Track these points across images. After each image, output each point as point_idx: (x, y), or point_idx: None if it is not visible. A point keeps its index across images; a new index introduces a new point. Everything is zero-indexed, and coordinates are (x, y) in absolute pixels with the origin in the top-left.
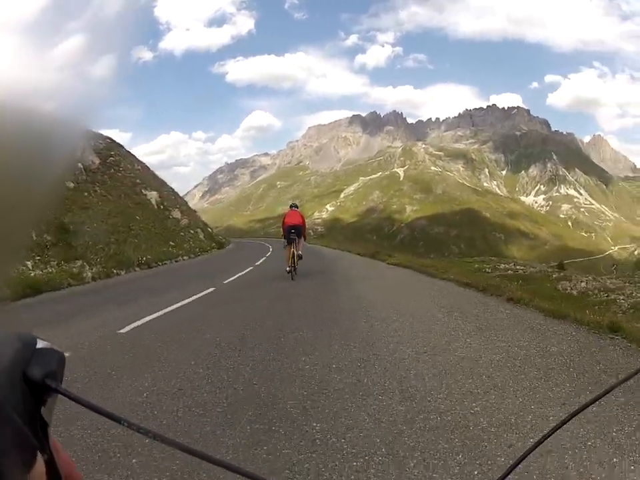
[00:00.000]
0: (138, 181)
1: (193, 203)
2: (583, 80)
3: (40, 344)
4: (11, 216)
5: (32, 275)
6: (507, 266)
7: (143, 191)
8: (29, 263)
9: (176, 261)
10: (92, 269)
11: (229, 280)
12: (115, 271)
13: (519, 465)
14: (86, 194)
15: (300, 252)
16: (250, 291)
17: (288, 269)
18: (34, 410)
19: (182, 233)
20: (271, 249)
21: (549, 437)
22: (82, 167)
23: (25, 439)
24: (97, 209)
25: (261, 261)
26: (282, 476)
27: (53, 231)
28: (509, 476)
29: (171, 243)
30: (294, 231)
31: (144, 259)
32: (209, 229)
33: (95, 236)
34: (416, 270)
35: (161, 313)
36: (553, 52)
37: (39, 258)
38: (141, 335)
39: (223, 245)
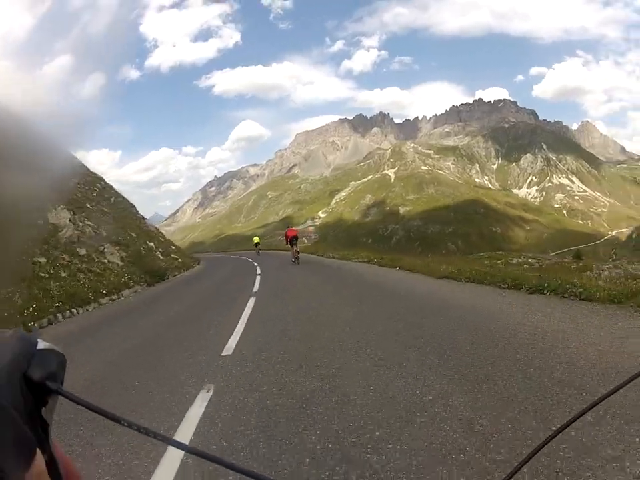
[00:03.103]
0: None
1: (185, 219)
2: (568, 69)
3: (41, 345)
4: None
5: None
6: (519, 260)
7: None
8: None
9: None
10: None
11: None
12: None
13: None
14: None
15: (298, 249)
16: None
17: (293, 259)
18: (35, 410)
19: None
20: (258, 274)
21: (553, 438)
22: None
23: (26, 439)
24: None
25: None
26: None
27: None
28: (515, 476)
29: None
30: (294, 239)
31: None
32: (176, 257)
33: None
34: (441, 276)
35: None
36: (537, 44)
37: None
38: None
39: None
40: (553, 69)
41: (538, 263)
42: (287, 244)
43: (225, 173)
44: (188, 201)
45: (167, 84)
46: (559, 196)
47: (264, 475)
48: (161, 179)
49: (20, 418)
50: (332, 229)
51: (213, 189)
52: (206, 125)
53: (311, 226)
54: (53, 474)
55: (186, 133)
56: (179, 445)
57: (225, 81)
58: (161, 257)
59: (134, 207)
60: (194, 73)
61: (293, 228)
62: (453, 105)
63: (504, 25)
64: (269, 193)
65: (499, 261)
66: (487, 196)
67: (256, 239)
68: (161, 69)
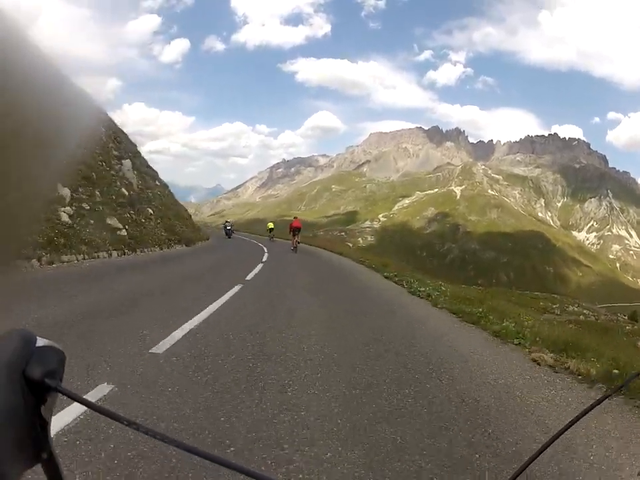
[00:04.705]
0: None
1: (245, 196)
2: None
3: (40, 342)
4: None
5: None
6: (574, 308)
7: None
8: None
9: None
10: None
11: None
12: None
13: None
14: None
15: (299, 240)
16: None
17: (292, 247)
18: (34, 408)
19: None
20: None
21: (556, 439)
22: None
23: (24, 437)
24: None
25: None
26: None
27: None
28: (519, 477)
29: None
30: (297, 230)
31: None
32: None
33: None
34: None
35: None
36: (617, 89)
37: None
38: None
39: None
40: (629, 117)
41: (593, 316)
42: (289, 232)
43: (293, 158)
44: (252, 178)
45: (250, 61)
46: (616, 247)
47: (264, 475)
48: (229, 152)
49: (19, 417)
50: (389, 233)
51: (280, 170)
52: (283, 108)
53: (368, 227)
54: (53, 472)
55: (262, 112)
56: (180, 445)
57: (308, 69)
58: (186, 229)
59: (167, 186)
60: (279, 56)
61: (298, 219)
62: (528, 135)
63: (587, 64)
64: (333, 186)
65: (554, 305)
66: (548, 232)
67: (270, 225)
68: (247, 45)
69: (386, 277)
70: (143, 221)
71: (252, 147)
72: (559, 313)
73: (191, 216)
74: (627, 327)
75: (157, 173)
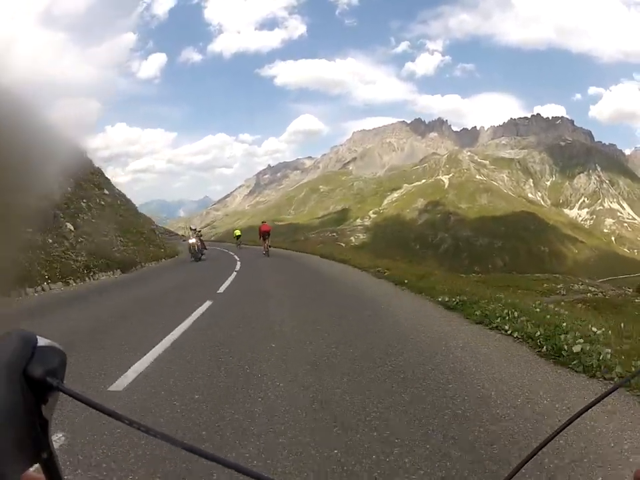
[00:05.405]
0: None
1: (234, 205)
2: (624, 92)
3: (41, 342)
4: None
5: None
6: (579, 287)
7: None
8: None
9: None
10: None
11: None
12: None
13: (522, 467)
14: None
15: (269, 244)
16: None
17: (264, 252)
18: (34, 408)
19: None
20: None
21: (554, 437)
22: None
23: (24, 437)
24: None
25: None
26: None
27: None
28: (516, 476)
29: None
30: (267, 234)
31: None
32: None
33: None
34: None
35: None
36: (596, 63)
37: None
38: None
39: None
40: (610, 90)
41: (601, 292)
42: (259, 238)
43: (278, 163)
44: (240, 187)
45: (228, 70)
46: (609, 221)
47: (264, 475)
48: (214, 163)
49: (19, 417)
50: (382, 229)
51: (266, 176)
52: (264, 115)
53: (359, 225)
54: (52, 472)
55: (244, 121)
56: (180, 444)
57: (287, 72)
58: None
59: (124, 195)
60: (256, 61)
61: (267, 223)
62: (511, 118)
63: (565, 41)
64: (320, 186)
65: (558, 286)
66: (540, 212)
67: (237, 232)
68: (224, 54)
69: (449, 308)
70: (50, 241)
71: (237, 156)
72: (564, 292)
73: (154, 230)
74: (637, 300)
75: (108, 180)
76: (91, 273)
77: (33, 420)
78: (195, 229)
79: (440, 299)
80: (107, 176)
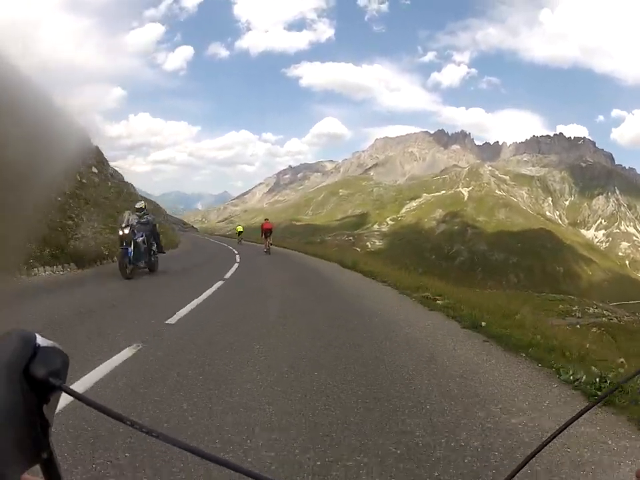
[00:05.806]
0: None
1: (252, 202)
2: None
3: (42, 342)
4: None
5: None
6: (594, 310)
7: None
8: None
9: None
10: None
11: None
12: None
13: (523, 467)
14: None
15: (271, 241)
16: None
17: (265, 250)
18: (35, 408)
19: None
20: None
21: (553, 439)
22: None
23: (24, 437)
24: None
25: None
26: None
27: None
28: (516, 476)
29: None
30: (268, 232)
31: None
32: None
33: None
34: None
35: None
36: (620, 85)
37: None
38: None
39: None
40: (633, 114)
41: (615, 317)
42: (261, 235)
43: (300, 164)
44: (259, 184)
45: (254, 67)
46: (625, 244)
47: (264, 475)
48: (236, 160)
49: (19, 417)
50: (398, 237)
51: (287, 176)
52: (288, 115)
53: (376, 231)
54: (52, 473)
55: (267, 120)
56: (180, 445)
57: (313, 74)
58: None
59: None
60: (283, 61)
61: (268, 221)
62: (534, 135)
63: (589, 61)
64: (340, 190)
65: (573, 307)
66: (557, 231)
67: (239, 228)
68: (251, 51)
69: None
70: None
71: (259, 155)
72: (580, 315)
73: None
74: None
75: (104, 160)
76: (26, 267)
77: (34, 420)
78: (141, 208)
79: (572, 376)
80: (105, 157)
